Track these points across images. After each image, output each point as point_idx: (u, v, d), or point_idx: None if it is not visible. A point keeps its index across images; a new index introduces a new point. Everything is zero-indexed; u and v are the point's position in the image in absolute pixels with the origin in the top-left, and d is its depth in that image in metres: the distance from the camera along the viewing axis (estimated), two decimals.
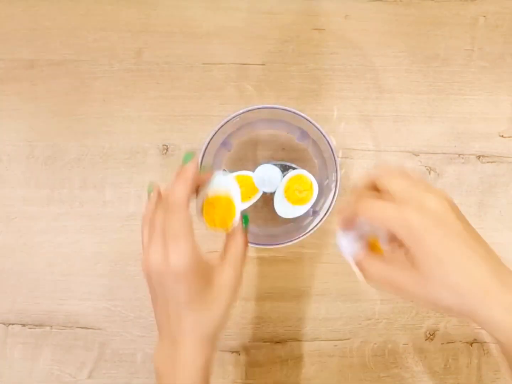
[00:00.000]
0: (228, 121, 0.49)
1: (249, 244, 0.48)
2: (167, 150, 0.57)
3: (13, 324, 0.56)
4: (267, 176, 0.49)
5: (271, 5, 0.59)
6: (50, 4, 0.59)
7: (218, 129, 0.49)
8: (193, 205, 0.42)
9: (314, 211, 0.54)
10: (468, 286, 0.30)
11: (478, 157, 0.58)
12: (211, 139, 0.49)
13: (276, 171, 0.49)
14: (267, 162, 0.52)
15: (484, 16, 0.59)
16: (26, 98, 0.58)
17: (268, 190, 0.50)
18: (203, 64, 0.58)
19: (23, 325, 0.56)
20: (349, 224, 0.35)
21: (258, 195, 0.52)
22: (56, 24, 0.58)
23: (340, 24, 0.59)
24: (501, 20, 0.59)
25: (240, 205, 0.41)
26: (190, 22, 0.59)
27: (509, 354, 0.30)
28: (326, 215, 0.50)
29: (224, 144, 0.54)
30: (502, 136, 0.58)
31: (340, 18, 0.59)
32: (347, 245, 0.36)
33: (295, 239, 0.49)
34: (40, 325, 0.56)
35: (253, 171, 0.50)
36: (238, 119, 0.50)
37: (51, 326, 0.56)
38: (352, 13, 0.59)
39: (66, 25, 0.59)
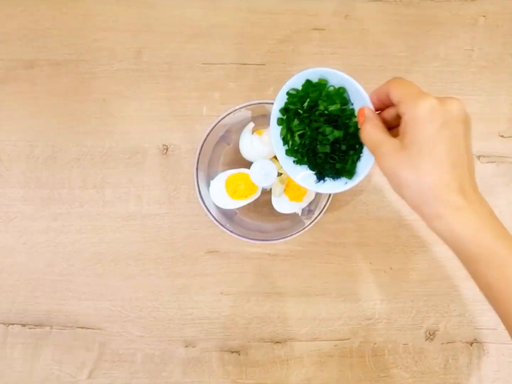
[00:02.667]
0: (228, 115, 0.49)
1: (245, 239, 0.49)
2: (167, 150, 0.57)
3: (13, 324, 0.56)
4: (263, 171, 0.49)
5: (271, 5, 0.59)
6: (50, 4, 0.59)
7: (218, 122, 0.49)
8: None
9: (309, 210, 0.54)
10: (430, 184, 0.33)
11: (478, 157, 0.58)
12: (210, 131, 0.49)
13: (272, 166, 0.49)
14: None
15: (484, 16, 0.59)
16: (26, 98, 0.58)
17: (264, 185, 0.50)
18: (203, 64, 0.58)
19: (23, 325, 0.56)
20: (377, 101, 0.38)
21: (258, 193, 0.52)
22: (56, 24, 0.59)
23: (340, 24, 0.59)
24: (501, 20, 0.59)
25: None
26: (190, 22, 0.59)
27: (455, 250, 0.34)
28: (322, 213, 0.50)
29: (224, 137, 0.54)
30: (502, 136, 0.58)
31: (340, 18, 0.59)
32: None
33: (290, 236, 0.50)
34: (40, 325, 0.56)
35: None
36: (238, 113, 0.50)
37: (51, 326, 0.56)
38: (352, 13, 0.59)
39: (66, 25, 0.59)
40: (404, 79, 0.36)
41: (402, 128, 0.35)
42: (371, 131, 0.36)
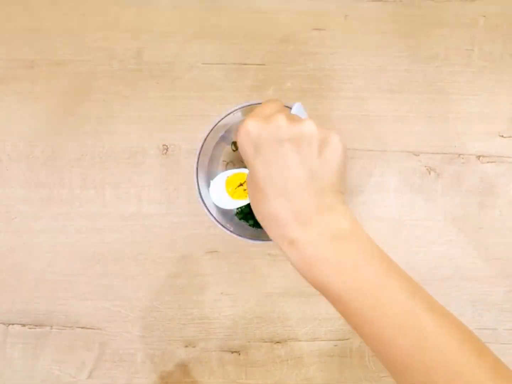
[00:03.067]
0: (228, 115, 0.50)
1: (245, 239, 0.49)
2: (167, 150, 0.57)
3: (13, 324, 0.56)
4: None
5: (271, 5, 0.59)
6: (50, 4, 0.59)
7: (218, 122, 0.49)
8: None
9: None
10: (265, 224, 0.32)
11: (478, 157, 0.58)
12: (210, 131, 0.49)
13: None
14: None
15: (484, 16, 0.59)
16: (26, 98, 0.58)
17: None
18: (203, 64, 0.58)
19: (23, 325, 0.56)
20: None
21: None
22: (56, 24, 0.59)
23: (340, 24, 0.59)
24: (501, 20, 0.59)
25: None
26: (190, 22, 0.59)
27: (300, 272, 0.33)
28: None
29: (224, 137, 0.54)
30: (502, 136, 0.58)
31: (340, 18, 0.59)
32: None
33: None
34: (40, 325, 0.56)
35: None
36: (238, 112, 0.50)
37: (51, 326, 0.56)
38: (352, 13, 0.59)
39: (66, 25, 0.59)
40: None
41: None
42: None
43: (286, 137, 0.31)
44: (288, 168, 0.30)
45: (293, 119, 0.32)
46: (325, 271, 0.31)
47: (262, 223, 0.33)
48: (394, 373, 0.32)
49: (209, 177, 0.53)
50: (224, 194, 0.51)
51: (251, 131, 0.31)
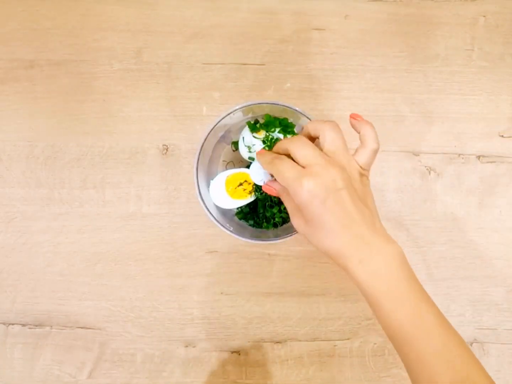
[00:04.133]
0: (228, 115, 0.50)
1: (245, 239, 0.49)
2: (167, 150, 0.57)
3: (13, 324, 0.56)
4: (263, 171, 0.49)
5: (271, 5, 0.59)
6: (50, 4, 0.59)
7: (218, 122, 0.49)
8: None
9: None
10: (335, 248, 0.38)
11: (478, 157, 0.58)
12: (210, 131, 0.49)
13: None
14: None
15: (484, 16, 0.59)
16: (26, 98, 0.58)
17: (264, 183, 0.50)
18: (203, 64, 0.58)
19: (23, 325, 0.56)
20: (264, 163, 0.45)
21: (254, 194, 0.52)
22: (56, 24, 0.59)
23: (340, 24, 0.59)
24: (501, 20, 0.59)
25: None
26: (190, 22, 0.59)
27: (364, 294, 0.38)
28: None
29: (224, 137, 0.54)
30: (502, 136, 0.58)
31: (340, 18, 0.59)
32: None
33: (290, 236, 0.50)
34: (40, 325, 0.56)
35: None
36: (238, 112, 0.50)
37: (51, 326, 0.56)
38: (352, 13, 0.59)
39: (66, 25, 0.59)
40: (277, 164, 0.41)
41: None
42: (285, 200, 0.43)
43: (342, 186, 0.38)
44: (347, 208, 0.37)
45: (336, 164, 0.38)
46: (383, 283, 0.37)
47: (331, 256, 0.39)
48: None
49: (209, 177, 0.53)
50: (224, 194, 0.51)
51: (315, 190, 0.37)
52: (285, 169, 0.39)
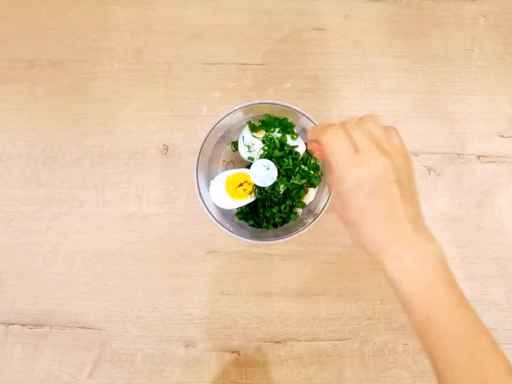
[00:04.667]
0: (228, 115, 0.50)
1: (245, 239, 0.49)
2: (167, 150, 0.57)
3: (13, 324, 0.56)
4: (263, 171, 0.49)
5: (271, 5, 0.59)
6: (50, 4, 0.59)
7: (218, 122, 0.50)
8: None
9: (309, 210, 0.54)
10: (374, 240, 0.37)
11: (478, 157, 0.58)
12: (210, 131, 0.50)
13: (272, 165, 0.50)
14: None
15: (484, 16, 0.59)
16: (26, 98, 0.58)
17: (264, 185, 0.50)
18: (203, 64, 0.58)
19: (23, 325, 0.56)
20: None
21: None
22: (56, 24, 0.58)
23: (340, 24, 0.59)
24: (501, 20, 0.59)
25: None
26: (190, 22, 0.59)
27: (396, 292, 0.37)
28: (322, 213, 0.50)
29: (224, 137, 0.54)
30: (502, 136, 0.58)
31: (340, 18, 0.59)
32: None
33: (290, 236, 0.50)
34: (40, 325, 0.56)
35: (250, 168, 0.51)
36: (239, 112, 0.50)
37: (51, 326, 0.56)
38: (352, 13, 0.59)
39: (66, 25, 0.59)
40: (332, 135, 0.37)
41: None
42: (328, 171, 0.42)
43: (392, 178, 0.36)
44: (394, 200, 0.36)
45: (389, 153, 0.37)
46: (419, 283, 0.36)
47: (367, 247, 0.37)
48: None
49: (209, 177, 0.53)
50: (224, 194, 0.51)
51: (363, 180, 0.35)
52: (339, 147, 0.36)
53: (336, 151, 0.36)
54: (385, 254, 0.36)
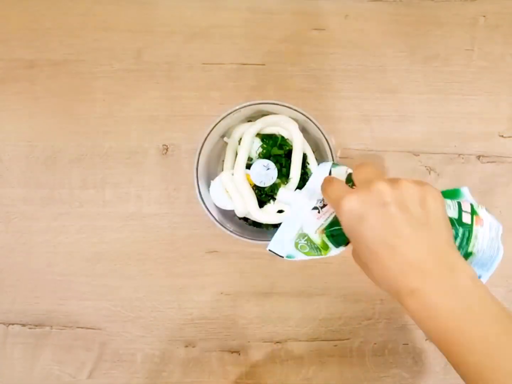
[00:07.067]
0: (228, 115, 0.50)
1: (245, 239, 0.49)
2: (167, 150, 0.57)
3: (13, 324, 0.56)
4: (263, 171, 0.49)
5: (271, 5, 0.59)
6: (50, 4, 0.59)
7: (218, 122, 0.50)
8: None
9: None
10: (381, 279, 0.33)
11: (478, 157, 0.58)
12: (210, 131, 0.50)
13: (272, 166, 0.50)
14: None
15: (484, 16, 0.59)
16: (26, 98, 0.58)
17: (264, 185, 0.50)
18: (203, 64, 0.58)
19: (23, 325, 0.56)
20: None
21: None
22: (56, 24, 0.58)
23: (340, 24, 0.59)
24: (501, 20, 0.59)
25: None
26: (190, 22, 0.59)
27: (417, 320, 0.32)
28: None
29: (224, 137, 0.54)
30: (502, 136, 0.58)
31: (340, 18, 0.59)
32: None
33: None
34: (40, 325, 0.56)
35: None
36: (239, 112, 0.50)
37: (51, 326, 0.56)
38: (352, 13, 0.59)
39: (66, 25, 0.58)
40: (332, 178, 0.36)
41: None
42: None
43: (389, 200, 0.31)
44: (395, 227, 0.31)
45: (391, 181, 0.33)
46: (445, 322, 0.31)
47: (380, 282, 0.33)
48: None
49: (209, 177, 0.53)
50: (224, 194, 0.51)
51: (353, 206, 0.32)
52: (333, 190, 0.34)
53: (330, 194, 0.35)
54: (398, 292, 0.32)
